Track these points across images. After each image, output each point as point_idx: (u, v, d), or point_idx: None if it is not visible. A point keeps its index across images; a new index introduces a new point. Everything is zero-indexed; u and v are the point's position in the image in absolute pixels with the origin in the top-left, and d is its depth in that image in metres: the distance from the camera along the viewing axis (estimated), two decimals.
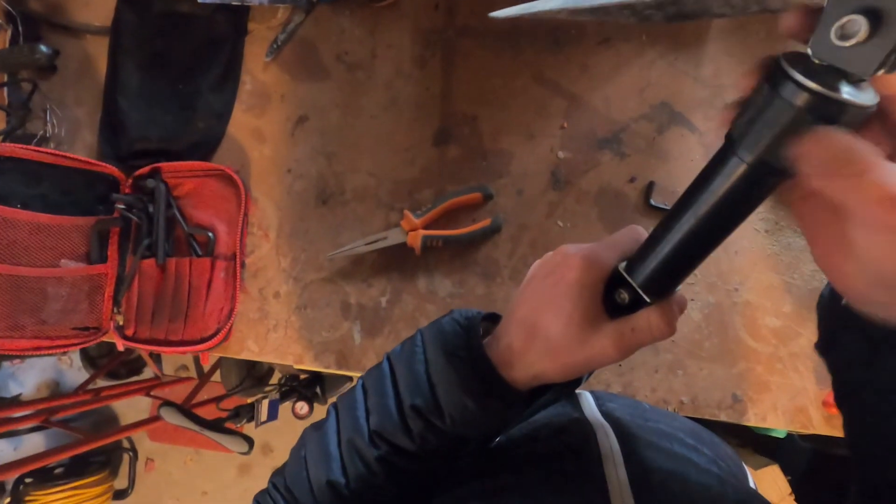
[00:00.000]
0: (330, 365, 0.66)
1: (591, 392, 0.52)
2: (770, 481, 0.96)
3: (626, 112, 0.68)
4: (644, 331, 0.31)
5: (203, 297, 0.66)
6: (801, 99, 0.22)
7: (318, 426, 0.39)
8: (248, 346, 0.68)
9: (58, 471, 1.74)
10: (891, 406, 0.26)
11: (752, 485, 0.51)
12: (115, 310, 0.68)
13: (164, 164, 0.69)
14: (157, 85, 0.73)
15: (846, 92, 0.22)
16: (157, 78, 0.73)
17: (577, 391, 0.51)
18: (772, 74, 0.23)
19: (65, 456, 1.29)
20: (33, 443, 1.91)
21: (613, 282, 0.32)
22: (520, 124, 0.69)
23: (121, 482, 1.86)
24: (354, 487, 0.35)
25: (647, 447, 0.39)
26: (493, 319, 0.38)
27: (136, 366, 1.86)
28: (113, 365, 1.76)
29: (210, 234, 0.68)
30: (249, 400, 1.38)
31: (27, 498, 1.64)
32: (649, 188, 0.66)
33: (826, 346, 0.30)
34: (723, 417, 0.61)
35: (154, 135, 0.71)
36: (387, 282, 0.67)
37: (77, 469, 1.73)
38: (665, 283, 0.31)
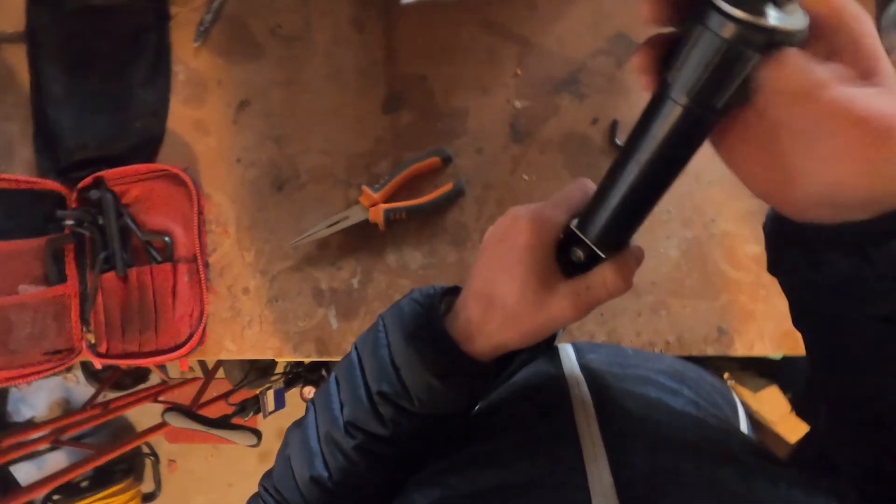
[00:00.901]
0: (311, 354, 0.65)
1: (573, 344, 0.51)
2: (770, 401, 0.97)
3: (582, 49, 0.64)
4: (600, 288, 0.30)
5: (170, 304, 0.64)
6: (728, 30, 0.20)
7: (299, 423, 0.39)
8: (226, 346, 0.66)
9: (83, 484, 1.77)
10: (841, 313, 0.25)
11: (741, 416, 0.51)
12: (85, 328, 0.67)
13: (106, 172, 0.66)
14: (85, 88, 0.68)
15: (774, 17, 0.20)
16: (83, 80, 0.68)
17: (558, 345, 0.50)
18: (696, 8, 0.21)
19: (83, 471, 1.31)
20: (56, 460, 1.94)
21: (568, 240, 0.31)
22: (472, 78, 0.65)
23: (148, 485, 1.91)
24: (338, 480, 0.35)
25: (622, 396, 0.38)
26: (456, 292, 0.36)
27: (141, 373, 1.86)
28: (116, 376, 1.76)
29: (166, 239, 0.65)
30: (255, 392, 1.39)
31: None
32: (613, 127, 0.63)
33: (775, 266, 0.29)
34: (710, 352, 0.61)
35: (91, 142, 0.67)
36: (356, 262, 0.65)
37: (101, 480, 1.77)
38: (618, 236, 0.30)
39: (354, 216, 0.64)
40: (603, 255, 0.30)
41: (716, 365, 0.97)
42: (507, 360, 0.39)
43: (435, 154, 0.63)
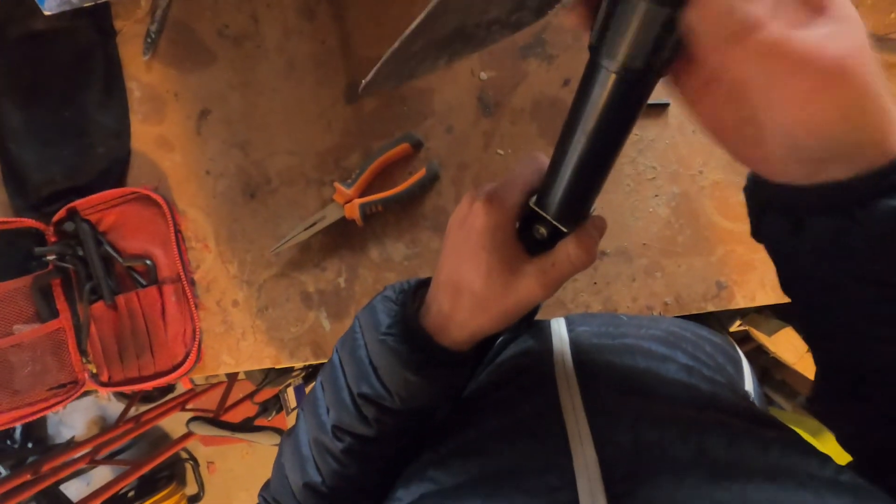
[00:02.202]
0: (308, 358, 0.65)
1: (566, 317, 0.50)
2: (786, 343, 0.95)
3: None
4: (564, 262, 0.29)
5: (161, 326, 0.64)
6: None
7: (291, 432, 0.39)
8: (224, 360, 0.66)
9: (130, 494, 1.85)
10: (829, 276, 0.24)
11: (745, 373, 0.49)
12: (85, 359, 0.67)
13: (78, 202, 0.65)
14: (42, 119, 0.67)
15: None
16: (39, 112, 0.67)
17: (549, 320, 0.49)
18: None
19: (126, 483, 1.37)
20: (102, 475, 2.03)
21: (529, 218, 0.30)
22: None
23: (191, 488, 1.98)
24: (331, 484, 0.35)
25: (608, 369, 0.38)
26: (429, 284, 0.35)
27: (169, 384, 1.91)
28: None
29: (148, 262, 0.65)
30: (276, 390, 1.42)
31: None
32: None
33: (758, 231, 0.27)
34: (710, 308, 0.59)
35: (57, 174, 0.66)
36: (339, 261, 0.64)
37: (147, 489, 1.84)
38: (576, 208, 0.29)
39: (331, 215, 0.62)
40: (564, 230, 0.29)
41: (729, 313, 0.95)
42: (487, 346, 0.38)
43: (404, 140, 0.61)
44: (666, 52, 0.21)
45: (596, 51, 0.22)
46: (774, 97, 0.21)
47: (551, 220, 0.29)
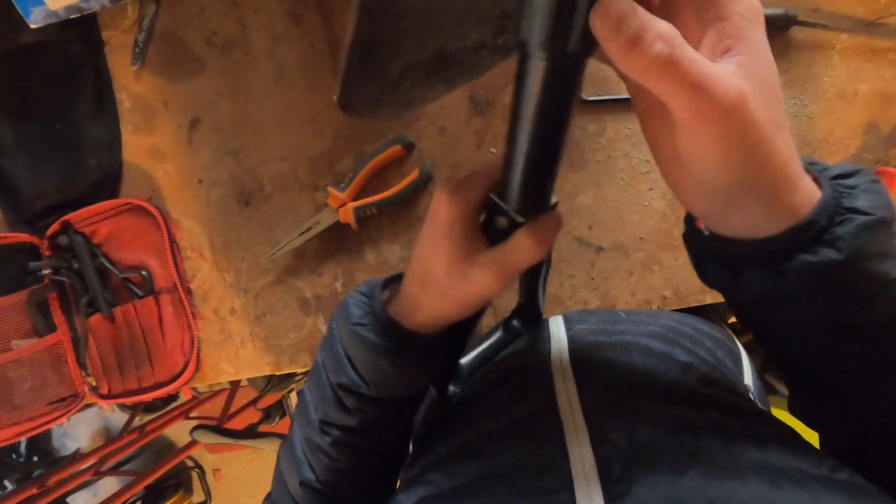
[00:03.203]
0: (307, 363, 0.64)
1: (564, 315, 0.50)
2: None
3: None
4: (517, 253, 0.29)
5: (159, 336, 0.64)
6: None
7: (286, 440, 0.41)
8: (224, 369, 0.66)
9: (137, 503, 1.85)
10: (773, 317, 0.25)
11: (745, 367, 0.49)
12: (84, 372, 0.67)
13: (71, 215, 0.65)
14: (33, 132, 0.66)
15: None
16: (30, 125, 0.66)
17: (547, 318, 0.49)
18: None
19: (133, 493, 1.37)
20: (109, 486, 2.02)
21: (491, 209, 0.31)
22: None
23: (198, 496, 1.98)
24: (324, 480, 0.36)
25: (605, 368, 0.38)
26: (400, 279, 0.37)
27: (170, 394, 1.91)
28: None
29: (143, 273, 0.65)
30: (279, 396, 1.42)
31: None
32: None
33: (701, 275, 0.28)
34: (709, 300, 0.58)
35: (50, 188, 0.66)
36: (335, 266, 0.64)
37: (154, 498, 1.85)
38: (530, 199, 0.30)
39: (325, 220, 0.62)
40: (521, 220, 0.30)
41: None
42: (460, 336, 0.39)
43: (397, 142, 0.61)
44: (588, 38, 0.21)
45: (521, 39, 0.22)
46: (677, 125, 0.21)
47: (509, 210, 0.30)
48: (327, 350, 0.36)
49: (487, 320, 0.62)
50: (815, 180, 0.23)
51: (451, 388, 0.42)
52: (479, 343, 0.46)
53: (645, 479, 0.24)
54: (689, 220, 0.27)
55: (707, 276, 0.27)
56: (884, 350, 0.23)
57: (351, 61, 0.24)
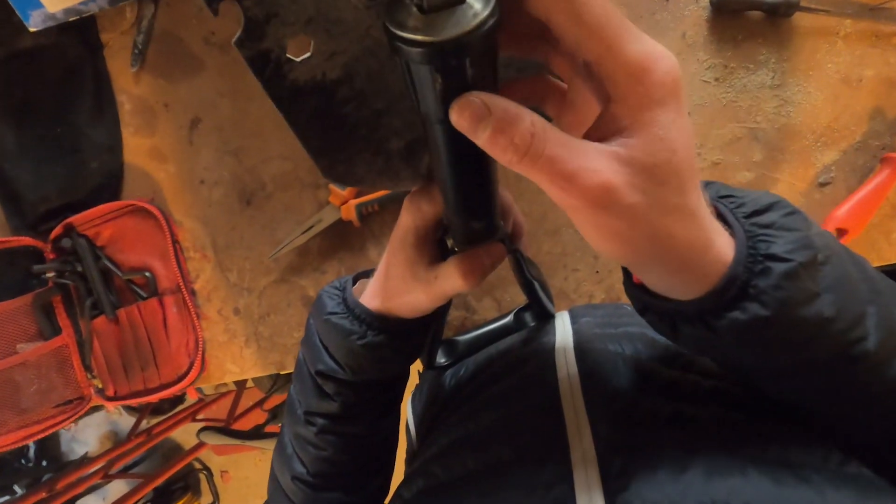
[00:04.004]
0: None
1: (570, 310, 0.49)
2: None
3: None
4: (441, 280, 0.30)
5: (164, 337, 0.64)
6: (398, 46, 0.17)
7: (277, 442, 0.43)
8: (229, 369, 0.66)
9: None
10: (717, 362, 0.27)
11: None
12: (90, 375, 0.67)
13: (74, 218, 0.65)
14: (34, 137, 0.67)
15: (412, 27, 0.17)
16: (31, 130, 0.67)
17: (554, 312, 0.49)
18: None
19: (141, 496, 1.37)
20: (118, 489, 2.03)
21: (445, 228, 0.31)
22: None
23: (207, 498, 1.99)
24: (314, 471, 0.38)
25: (609, 361, 0.37)
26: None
27: (176, 395, 1.92)
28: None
29: (147, 274, 0.65)
30: (285, 396, 1.42)
31: None
32: None
33: (649, 323, 0.28)
34: None
35: (52, 191, 0.66)
36: (339, 263, 0.64)
37: (163, 500, 1.85)
38: (463, 233, 0.29)
39: (327, 217, 0.62)
40: (455, 249, 0.30)
41: None
42: (430, 323, 0.39)
43: None
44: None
45: (423, 114, 0.21)
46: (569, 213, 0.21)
47: (446, 235, 0.30)
48: (306, 344, 0.38)
49: (490, 312, 0.62)
50: (727, 223, 0.22)
51: (443, 360, 0.45)
52: (485, 325, 0.47)
53: (645, 475, 0.24)
54: (627, 272, 0.27)
55: (651, 324, 0.26)
56: (835, 380, 0.23)
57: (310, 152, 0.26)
